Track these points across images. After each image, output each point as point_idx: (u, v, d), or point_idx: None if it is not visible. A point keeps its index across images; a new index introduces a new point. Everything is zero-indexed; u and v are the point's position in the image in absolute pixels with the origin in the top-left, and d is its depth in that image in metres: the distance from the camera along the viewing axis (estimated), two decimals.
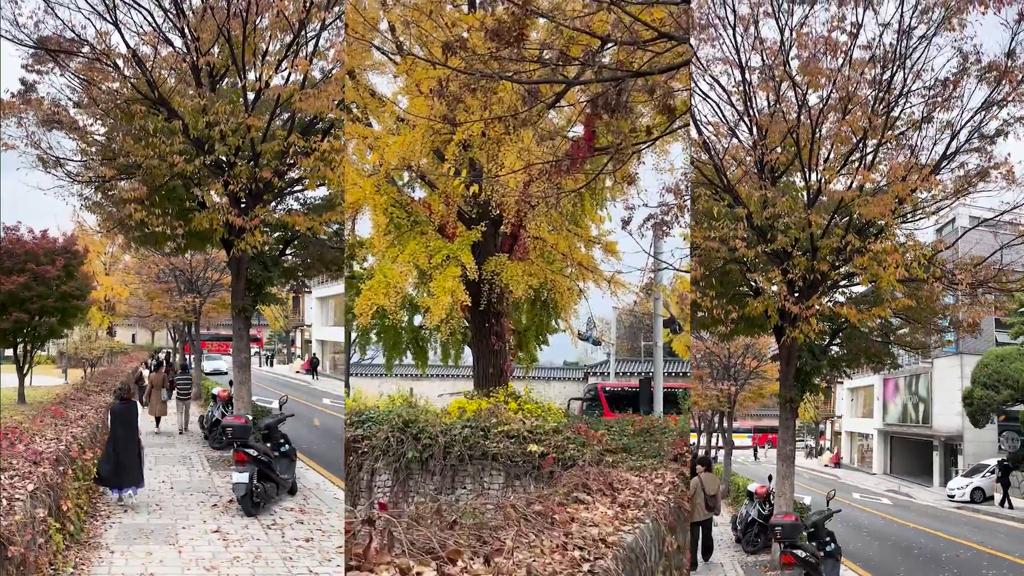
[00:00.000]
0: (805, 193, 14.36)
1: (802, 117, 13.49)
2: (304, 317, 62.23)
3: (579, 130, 17.71)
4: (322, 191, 17.63)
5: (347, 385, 34.75)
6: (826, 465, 56.04)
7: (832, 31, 13.11)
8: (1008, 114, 13.93)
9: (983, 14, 12.40)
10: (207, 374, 35.93)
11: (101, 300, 38.22)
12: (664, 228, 14.77)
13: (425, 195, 20.81)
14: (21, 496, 8.34)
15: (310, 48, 15.10)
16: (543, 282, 20.67)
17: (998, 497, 31.07)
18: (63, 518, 9.99)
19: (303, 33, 14.68)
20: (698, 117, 14.43)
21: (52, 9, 14.21)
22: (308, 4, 14.03)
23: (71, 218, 50.67)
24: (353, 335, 27.04)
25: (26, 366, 26.86)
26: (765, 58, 13.77)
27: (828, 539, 13.13)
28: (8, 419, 14.06)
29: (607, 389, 30.11)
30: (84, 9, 14.26)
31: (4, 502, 7.90)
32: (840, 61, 13.21)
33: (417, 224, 19.48)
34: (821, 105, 13.46)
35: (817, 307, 14.16)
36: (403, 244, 19.20)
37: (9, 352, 29.19)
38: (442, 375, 36.79)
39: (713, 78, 14.30)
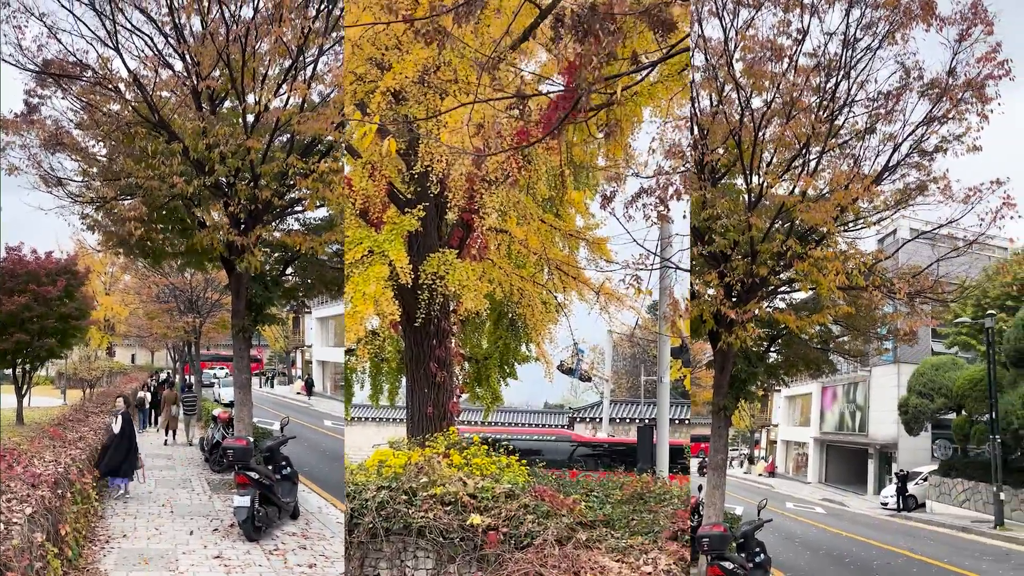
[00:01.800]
0: (746, 196, 14.35)
1: (745, 119, 13.48)
2: (304, 338, 62.37)
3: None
4: (322, 212, 17.76)
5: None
6: (760, 474, 56.29)
7: (778, 36, 13.19)
8: (947, 131, 14.19)
9: (926, 31, 12.77)
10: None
11: (101, 320, 38.23)
12: (665, 207, 13.10)
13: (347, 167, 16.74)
14: (19, 520, 8.36)
15: (308, 72, 15.33)
16: (508, 292, 16.43)
17: (893, 503, 33.85)
18: (61, 543, 10.01)
19: (301, 58, 14.92)
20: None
21: (55, 34, 14.53)
22: (307, 30, 14.23)
23: (72, 238, 51.03)
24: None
25: (25, 387, 26.87)
26: (708, 57, 13.78)
27: (758, 549, 12.95)
28: (7, 441, 14.15)
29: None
30: (86, 35, 14.58)
31: (2, 526, 7.93)
32: (785, 66, 13.31)
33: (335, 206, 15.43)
34: (764, 108, 13.51)
35: (755, 312, 14.22)
36: None
37: (8, 372, 29.34)
38: (376, 418, 32.00)
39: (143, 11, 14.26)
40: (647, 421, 26.65)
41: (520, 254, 16.85)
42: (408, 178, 14.32)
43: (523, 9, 10.85)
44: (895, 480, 34.78)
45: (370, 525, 10.94)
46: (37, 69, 14.87)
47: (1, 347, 24.48)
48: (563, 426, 33.90)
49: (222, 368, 50.03)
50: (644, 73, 10.26)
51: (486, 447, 12.98)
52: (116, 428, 16.25)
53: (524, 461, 12.49)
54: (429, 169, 12.82)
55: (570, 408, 38.20)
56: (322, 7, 14.61)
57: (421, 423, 15.36)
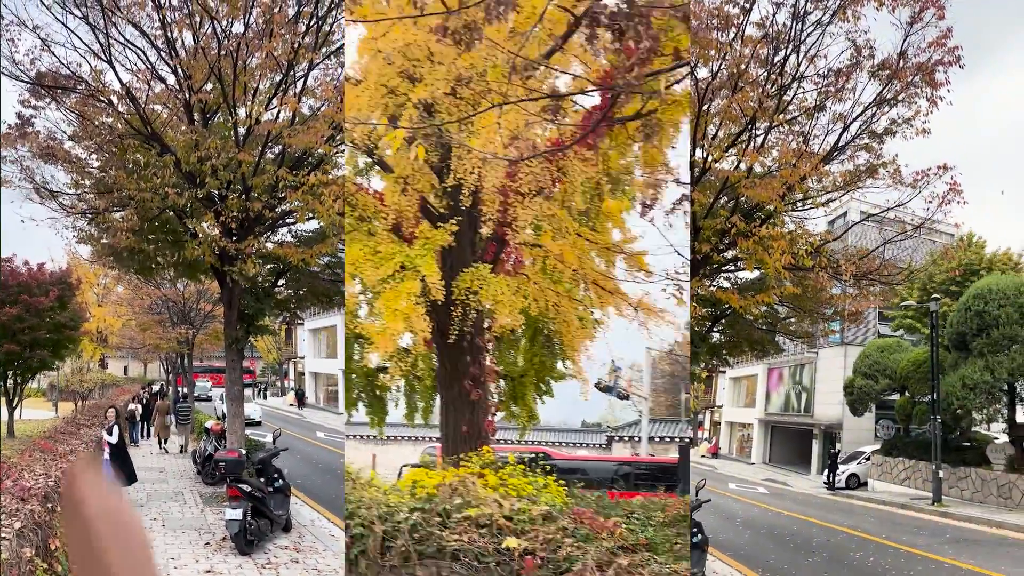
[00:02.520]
0: (691, 170, 14.24)
1: (690, 91, 13.42)
2: (297, 349, 62.43)
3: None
4: (313, 224, 17.85)
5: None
6: (703, 455, 56.65)
7: (725, 3, 13.11)
8: (897, 114, 14.24)
9: (878, 10, 12.77)
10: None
11: (93, 331, 38.44)
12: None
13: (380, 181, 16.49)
14: (8, 535, 8.36)
15: (299, 86, 15.50)
16: (543, 308, 15.88)
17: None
18: (51, 558, 10.00)
19: (292, 72, 15.06)
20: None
21: (48, 47, 14.65)
22: (296, 46, 14.37)
23: (65, 249, 51.14)
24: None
25: (16, 399, 26.97)
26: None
27: (696, 530, 13.49)
28: (8, 451, 14.17)
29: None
30: (80, 48, 14.71)
31: None
32: (732, 35, 13.27)
33: (363, 221, 14.86)
34: (710, 79, 13.48)
35: (698, 291, 14.30)
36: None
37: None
38: (411, 437, 32.39)
39: (135, 24, 14.31)
40: (687, 440, 26.39)
41: (555, 269, 16.11)
42: (440, 192, 13.98)
43: (557, 19, 10.81)
44: (828, 459, 36.23)
45: (403, 548, 10.48)
46: (30, 81, 14.99)
47: None
48: (601, 445, 33.87)
49: (206, 380, 50.01)
50: (684, 72, 10.87)
51: (522, 467, 12.52)
52: (114, 439, 16.46)
53: (562, 481, 12.01)
54: (461, 182, 12.56)
55: (608, 427, 38.55)
56: (312, 23, 14.76)
57: (455, 442, 14.78)
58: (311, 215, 16.24)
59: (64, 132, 16.00)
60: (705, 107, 13.56)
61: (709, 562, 14.47)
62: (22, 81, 15.00)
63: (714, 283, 16.15)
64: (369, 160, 15.81)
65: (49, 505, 10.67)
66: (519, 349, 19.12)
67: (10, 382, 26.69)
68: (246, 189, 14.91)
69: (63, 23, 14.45)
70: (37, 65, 14.85)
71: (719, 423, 60.49)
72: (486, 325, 15.75)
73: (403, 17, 12.03)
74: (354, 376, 18.57)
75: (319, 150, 15.11)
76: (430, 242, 13.74)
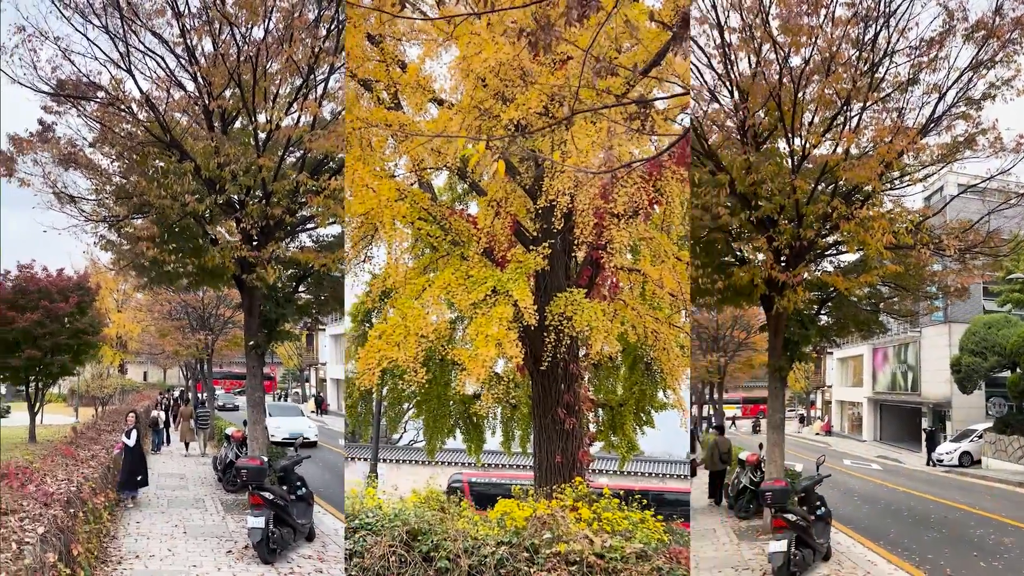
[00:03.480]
0: (789, 159, 14.40)
1: (784, 79, 13.46)
2: (318, 355, 62.65)
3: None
4: (335, 228, 17.97)
5: (374, 472, 30.66)
6: (817, 434, 57.79)
7: None
8: (996, 76, 13.96)
9: None
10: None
11: (113, 337, 38.85)
12: None
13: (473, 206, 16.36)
14: (31, 540, 8.45)
15: (319, 91, 15.59)
16: (642, 335, 15.21)
17: (939, 458, 35.13)
18: (73, 563, 10.09)
19: (312, 77, 15.18)
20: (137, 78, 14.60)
21: (68, 57, 14.82)
22: (317, 50, 14.46)
23: (84, 256, 51.87)
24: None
25: (37, 404, 27.29)
26: (745, 17, 13.70)
27: (818, 503, 13.76)
28: (19, 459, 14.33)
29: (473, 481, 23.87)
30: (100, 57, 14.90)
31: (14, 546, 8.01)
32: (822, 18, 13.20)
33: (457, 246, 14.31)
34: (803, 66, 13.46)
35: (805, 275, 14.39)
36: (435, 272, 14.52)
37: (21, 390, 29.78)
38: (507, 465, 32.10)
39: (691, 39, 14.05)
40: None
41: (655, 295, 15.77)
42: (534, 214, 13.89)
43: (653, 36, 11.03)
44: (924, 437, 36.38)
45: None
46: (51, 91, 15.17)
47: (14, 364, 25.01)
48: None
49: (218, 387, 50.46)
50: None
51: (617, 500, 11.98)
52: (131, 442, 16.87)
53: (660, 516, 11.53)
54: (553, 203, 12.38)
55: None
56: (332, 27, 14.85)
57: (549, 472, 14.40)
58: (332, 220, 16.34)
59: (85, 139, 16.19)
60: (800, 95, 13.60)
61: (833, 534, 14.80)
62: (43, 92, 15.18)
63: (819, 268, 16.38)
64: (465, 186, 15.90)
65: (72, 510, 10.80)
66: (618, 377, 18.89)
67: (32, 387, 27.02)
68: (266, 194, 15.04)
69: (83, 33, 14.63)
70: (58, 74, 15.00)
71: (830, 402, 61.76)
72: (582, 352, 15.41)
73: (401, 17, 12.22)
74: (451, 403, 18.45)
75: (340, 155, 15.17)
76: (523, 266, 13.57)
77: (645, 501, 12.35)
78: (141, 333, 41.73)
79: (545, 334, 13.55)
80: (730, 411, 53.66)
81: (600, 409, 18.55)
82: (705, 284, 15.37)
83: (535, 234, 14.11)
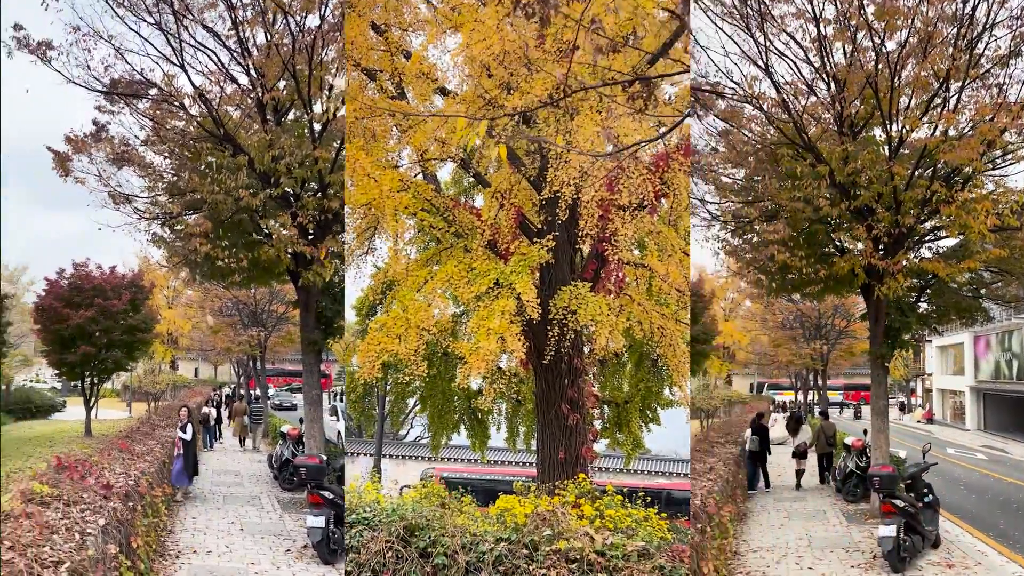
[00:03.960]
0: (887, 146, 14.37)
1: (880, 64, 13.41)
2: (924, 366, 62.08)
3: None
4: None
5: (377, 468, 28.98)
6: (919, 421, 57.32)
7: None
8: None
9: None
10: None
11: (164, 334, 39.25)
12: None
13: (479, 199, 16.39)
14: (93, 531, 8.50)
15: None
16: (648, 331, 14.98)
17: None
18: (133, 555, 10.16)
19: None
20: (775, 77, 14.58)
21: (122, 55, 14.93)
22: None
23: (137, 255, 52.92)
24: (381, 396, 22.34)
25: (93, 399, 27.68)
26: (839, 6, 13.69)
27: (926, 490, 13.84)
28: (77, 452, 14.46)
29: (445, 476, 23.69)
30: (152, 55, 15.01)
31: (77, 536, 8.07)
32: None
33: (460, 238, 14.18)
34: (899, 50, 13.34)
35: (904, 262, 14.39)
36: (439, 265, 14.29)
37: (77, 385, 30.28)
38: (512, 462, 30.51)
39: (789, 35, 14.31)
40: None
41: (661, 290, 15.73)
42: (539, 206, 13.74)
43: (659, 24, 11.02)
44: None
45: None
46: (104, 90, 15.31)
47: (70, 360, 25.33)
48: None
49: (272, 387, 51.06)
50: None
51: (620, 498, 11.77)
52: (188, 436, 17.20)
53: (664, 514, 11.29)
54: (558, 194, 12.24)
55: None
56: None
57: (552, 469, 14.41)
58: None
59: (137, 137, 16.35)
60: (896, 79, 13.49)
61: (940, 523, 14.77)
62: (97, 91, 15.34)
63: (918, 254, 16.32)
64: (471, 179, 15.88)
65: (130, 503, 10.86)
66: (624, 374, 19.17)
67: (87, 383, 27.42)
68: (323, 187, 15.00)
69: (136, 31, 14.76)
70: (111, 73, 15.16)
71: (930, 390, 61.43)
72: (587, 348, 15.35)
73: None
74: (456, 399, 18.79)
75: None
76: (526, 258, 13.41)
77: (649, 499, 12.10)
78: (191, 330, 42.24)
79: (548, 328, 13.41)
80: (832, 398, 53.73)
81: (606, 406, 18.77)
82: (807, 274, 15.39)
83: (540, 227, 13.99)
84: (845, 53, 14.20)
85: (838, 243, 16.58)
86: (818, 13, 13.80)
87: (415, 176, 14.17)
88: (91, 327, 24.89)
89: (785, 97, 14.40)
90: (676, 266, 14.80)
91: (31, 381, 52.46)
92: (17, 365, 41.84)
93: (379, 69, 13.04)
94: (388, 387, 20.71)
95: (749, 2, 13.93)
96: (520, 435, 19.35)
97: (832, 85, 14.39)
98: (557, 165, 12.01)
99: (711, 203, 17.40)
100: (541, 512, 10.32)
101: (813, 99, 15.01)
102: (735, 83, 15.07)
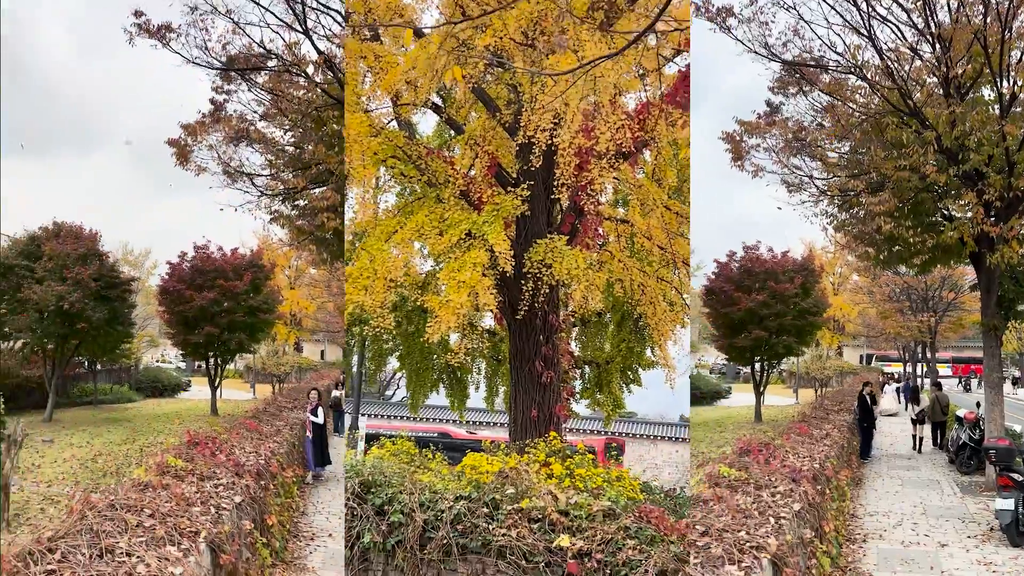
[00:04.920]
0: (997, 105, 13.85)
1: (988, 18, 12.93)
2: None
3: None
4: None
5: (355, 429, 27.10)
6: None
7: None
8: None
9: None
10: None
11: (287, 315, 39.96)
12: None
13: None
14: (227, 506, 8.55)
15: None
16: (628, 288, 14.66)
17: None
18: (267, 533, 10.11)
19: None
20: (878, 43, 14.32)
21: (241, 28, 14.90)
22: None
23: (255, 234, 54.48)
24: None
25: (217, 379, 28.43)
26: None
27: None
28: (207, 429, 14.70)
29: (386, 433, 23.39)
30: (273, 23, 14.92)
31: (212, 510, 8.14)
32: None
33: (433, 187, 13.54)
34: (1009, 1, 12.83)
35: (1017, 228, 13.97)
36: (411, 215, 13.57)
37: (202, 366, 31.29)
38: (491, 423, 29.65)
39: None
40: None
41: (643, 248, 15.33)
42: (514, 154, 13.35)
43: None
44: None
45: (444, 540, 9.30)
46: (222, 67, 15.43)
47: (193, 340, 26.14)
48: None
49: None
50: None
51: (592, 456, 11.63)
52: (319, 420, 17.40)
53: (637, 474, 11.18)
54: (533, 141, 11.68)
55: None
56: None
57: (524, 427, 14.01)
58: None
59: (256, 113, 16.40)
60: (1006, 32, 12.91)
61: None
62: (216, 68, 15.52)
63: None
64: (452, 133, 15.16)
65: (262, 482, 10.82)
66: (607, 335, 18.73)
67: (211, 363, 28.19)
68: (1010, 165, 14.13)
69: (256, 2, 14.66)
70: (229, 50, 15.24)
71: None
72: (569, 308, 15.20)
73: None
74: (435, 356, 18.47)
75: None
76: (499, 208, 12.92)
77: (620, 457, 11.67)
78: (858, 315, 43.38)
79: (523, 282, 13.02)
80: (940, 371, 52.65)
81: (587, 366, 18.47)
82: (915, 244, 15.08)
83: (516, 177, 13.46)
84: (950, 10, 13.65)
85: (946, 211, 16.24)
86: None
87: (388, 123, 13.76)
88: (213, 308, 25.58)
89: (889, 63, 14.08)
90: (658, 221, 14.34)
91: (158, 361, 54.18)
92: (144, 346, 42.75)
93: (352, 11, 12.65)
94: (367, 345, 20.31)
95: None
96: (500, 395, 18.97)
97: (937, 46, 13.88)
98: (532, 109, 11.56)
99: (818, 179, 17.27)
100: (503, 470, 10.13)
101: (917, 63, 14.61)
102: (839, 54, 14.91)
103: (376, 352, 19.88)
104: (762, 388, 28.63)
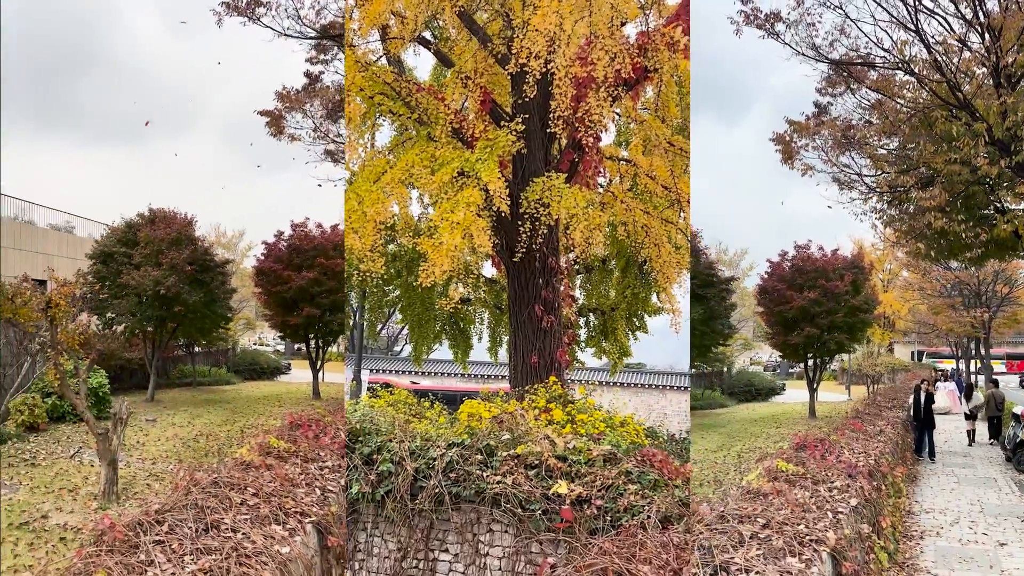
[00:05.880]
0: None
1: None
2: None
3: None
4: None
5: (357, 383, 28.37)
6: None
7: None
8: None
9: None
10: None
11: (880, 316, 40.36)
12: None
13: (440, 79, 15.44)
14: (843, 510, 8.62)
15: None
16: (632, 231, 13.91)
17: None
18: (882, 536, 10.14)
19: None
20: (925, 37, 14.21)
21: (854, 23, 14.92)
22: None
23: (848, 235, 55.95)
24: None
25: (319, 362, 28.49)
26: None
27: None
28: (816, 431, 15.17)
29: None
30: (882, 20, 14.71)
31: (829, 515, 8.20)
32: None
33: (424, 125, 12.79)
34: None
35: None
36: (402, 154, 12.96)
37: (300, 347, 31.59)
38: (496, 376, 28.74)
39: None
40: None
41: (647, 188, 14.58)
42: (507, 84, 12.53)
43: None
44: None
45: (436, 489, 8.88)
46: (831, 61, 15.52)
47: (292, 322, 26.58)
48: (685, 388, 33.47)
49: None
50: None
51: (594, 401, 11.27)
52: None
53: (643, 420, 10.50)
54: (526, 70, 10.94)
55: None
56: None
57: (525, 373, 13.40)
58: None
59: (861, 115, 16.61)
60: None
61: None
62: (822, 61, 15.67)
63: None
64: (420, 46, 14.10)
65: (874, 483, 10.97)
66: (612, 282, 18.16)
67: (312, 345, 28.05)
68: None
69: None
70: (836, 48, 15.32)
71: None
72: (572, 254, 14.70)
73: None
74: (437, 307, 17.73)
75: None
76: (493, 144, 12.22)
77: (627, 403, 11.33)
78: (909, 312, 43.51)
79: (520, 223, 12.41)
80: (995, 367, 49.51)
81: (592, 314, 17.64)
82: (968, 239, 15.19)
83: (511, 112, 12.38)
84: (999, 1, 13.24)
85: (998, 204, 16.12)
86: None
87: (378, 60, 13.18)
88: (814, 308, 26.11)
89: (937, 56, 14.02)
90: (660, 158, 13.19)
91: (256, 344, 55.91)
92: (241, 328, 43.63)
93: None
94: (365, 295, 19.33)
95: None
96: (504, 345, 17.71)
97: (986, 36, 13.62)
98: (523, 34, 10.76)
99: (868, 175, 17.43)
100: (500, 416, 9.72)
101: (966, 55, 14.51)
102: (886, 51, 14.89)
103: (375, 304, 19.31)
104: (815, 385, 27.59)
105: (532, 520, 8.35)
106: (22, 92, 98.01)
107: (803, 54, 15.13)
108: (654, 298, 18.48)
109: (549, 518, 8.25)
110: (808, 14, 14.76)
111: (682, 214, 14.91)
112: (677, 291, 15.35)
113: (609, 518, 7.91)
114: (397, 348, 47.16)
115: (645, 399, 32.27)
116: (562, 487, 8.28)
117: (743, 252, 53.05)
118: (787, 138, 16.89)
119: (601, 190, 14.89)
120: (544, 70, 11.64)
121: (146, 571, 5.89)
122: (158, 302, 24.61)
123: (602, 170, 15.10)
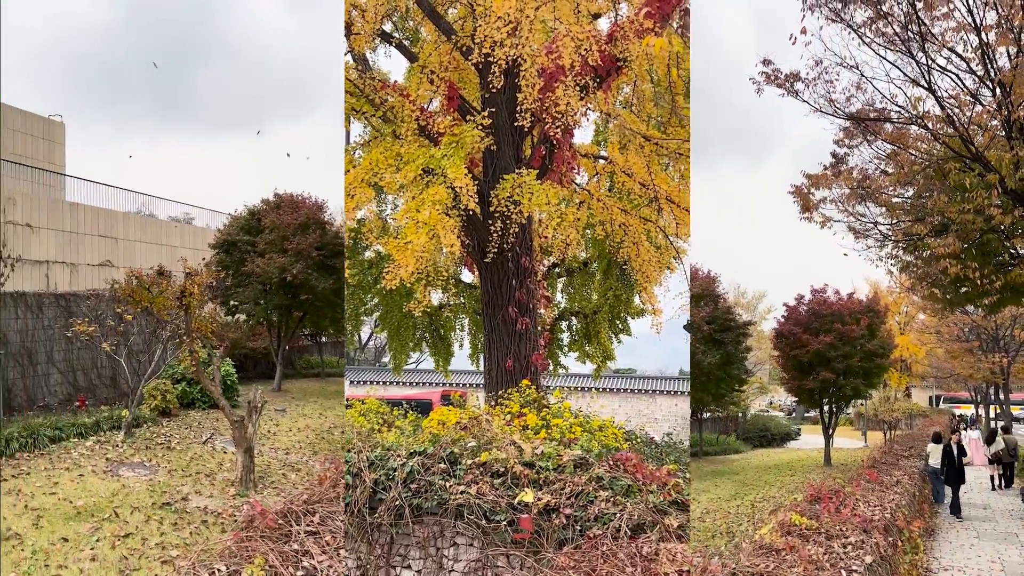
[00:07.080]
0: None
1: None
2: None
3: None
4: None
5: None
6: None
7: None
8: None
9: None
10: None
11: (897, 360, 39.34)
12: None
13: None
14: (857, 568, 8.26)
15: None
16: (610, 230, 13.88)
17: None
18: None
19: None
20: (938, 93, 14.38)
21: (868, 81, 15.14)
22: None
23: (865, 279, 55.01)
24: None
25: (831, 427, 28.27)
26: (1000, 9, 13.18)
27: None
28: (826, 481, 14.97)
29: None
30: (896, 78, 15.12)
31: (843, 573, 7.97)
32: None
33: (388, 123, 12.74)
34: None
35: None
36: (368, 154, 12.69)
37: (814, 413, 32.08)
38: (478, 384, 27.36)
39: (950, 49, 13.99)
40: None
41: (624, 186, 14.01)
42: (473, 75, 12.26)
43: None
44: None
45: (396, 502, 8.38)
46: (847, 117, 15.72)
47: (808, 386, 26.41)
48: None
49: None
50: None
51: (569, 404, 10.95)
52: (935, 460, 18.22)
53: (622, 423, 10.28)
54: (490, 59, 10.78)
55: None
56: None
57: (499, 379, 13.03)
58: None
59: (876, 165, 16.70)
60: None
61: None
62: (839, 119, 15.90)
63: None
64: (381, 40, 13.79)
65: (890, 539, 10.60)
66: (593, 284, 17.03)
67: (826, 409, 28.13)
68: None
69: (883, 57, 14.84)
70: (852, 103, 15.54)
71: None
72: (552, 258, 14.42)
73: None
74: (417, 315, 17.00)
75: None
76: (458, 140, 11.82)
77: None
78: (924, 356, 42.96)
79: (491, 222, 11.72)
80: (1015, 412, 47.68)
81: (574, 318, 17.29)
82: (983, 285, 15.34)
83: (476, 107, 12.11)
84: (1009, 56, 13.58)
85: (1013, 251, 16.20)
86: (979, 22, 13.41)
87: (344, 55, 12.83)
88: (830, 353, 25.52)
89: (950, 112, 14.21)
90: (636, 154, 12.97)
91: (767, 408, 55.49)
92: (754, 392, 43.10)
93: None
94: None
95: (910, 28, 13.91)
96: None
97: (998, 91, 13.79)
98: (486, 21, 10.49)
99: (883, 224, 17.45)
100: (463, 421, 9.31)
101: (978, 108, 14.59)
102: (899, 106, 15.15)
103: (353, 312, 18.66)
104: (831, 431, 26.72)
105: (497, 532, 7.98)
106: (142, 87, 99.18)
107: (820, 110, 15.31)
108: (636, 299, 18.12)
109: (515, 529, 7.88)
110: (826, 72, 14.99)
111: (660, 212, 14.84)
112: (658, 291, 15.16)
113: (579, 528, 7.59)
114: (384, 360, 45.07)
115: (635, 404, 32.20)
116: (528, 495, 7.87)
117: (761, 295, 52.02)
118: (804, 191, 16.75)
119: (579, 189, 14.83)
120: (510, 58, 11.54)
121: (300, 561, 5.99)
122: (283, 290, 24.03)
123: (578, 168, 14.80)
